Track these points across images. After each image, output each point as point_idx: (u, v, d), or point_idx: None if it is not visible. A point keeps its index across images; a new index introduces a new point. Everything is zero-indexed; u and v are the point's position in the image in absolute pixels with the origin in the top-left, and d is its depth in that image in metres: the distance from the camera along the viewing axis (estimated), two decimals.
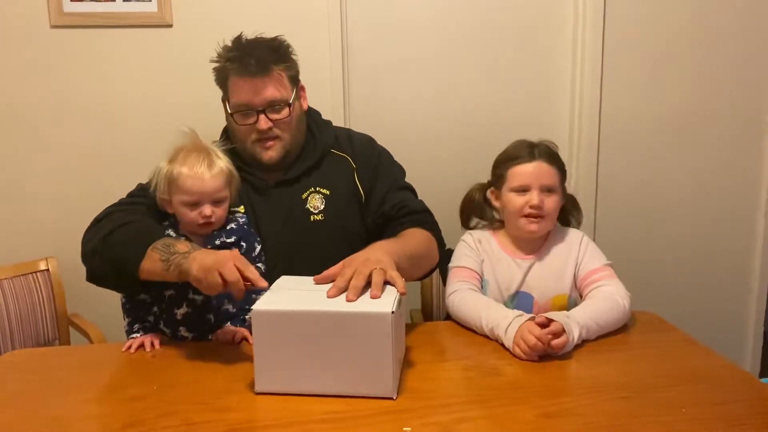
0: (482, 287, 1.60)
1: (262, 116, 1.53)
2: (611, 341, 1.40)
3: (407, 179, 1.75)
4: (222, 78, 1.59)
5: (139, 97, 2.20)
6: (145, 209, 1.48)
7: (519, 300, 1.59)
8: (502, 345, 1.36)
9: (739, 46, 2.41)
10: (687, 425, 1.06)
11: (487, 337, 1.42)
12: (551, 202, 1.55)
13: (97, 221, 1.48)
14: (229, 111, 1.56)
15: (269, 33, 1.61)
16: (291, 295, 1.21)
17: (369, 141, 1.75)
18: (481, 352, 1.36)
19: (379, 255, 1.29)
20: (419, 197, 1.73)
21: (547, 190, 1.55)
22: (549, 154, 1.58)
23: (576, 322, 1.34)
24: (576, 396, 1.17)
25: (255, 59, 1.51)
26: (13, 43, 2.12)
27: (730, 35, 2.40)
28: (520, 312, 1.39)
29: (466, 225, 1.74)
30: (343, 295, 1.18)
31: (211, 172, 1.39)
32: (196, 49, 2.18)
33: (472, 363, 1.32)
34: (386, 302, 1.15)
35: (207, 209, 1.39)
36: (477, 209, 1.70)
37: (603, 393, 1.17)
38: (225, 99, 1.60)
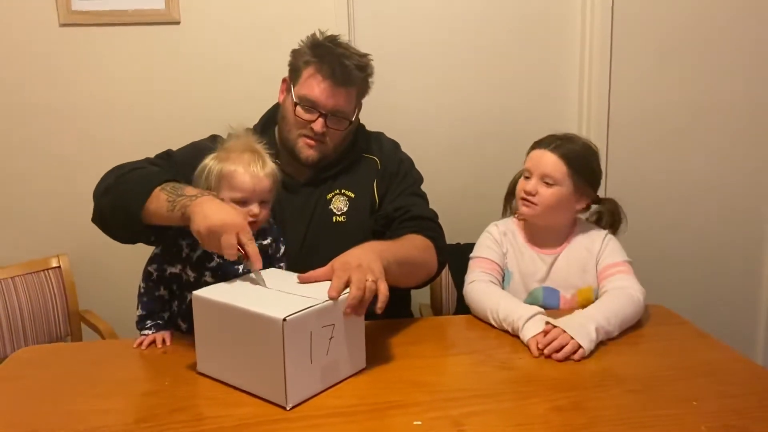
0: (504, 280, 1.60)
1: (321, 119, 1.55)
2: (622, 334, 1.40)
3: None
4: (299, 64, 1.59)
5: (147, 94, 2.21)
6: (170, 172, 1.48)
7: (546, 294, 1.59)
8: (516, 336, 1.37)
9: (749, 38, 2.39)
10: (698, 418, 1.06)
11: (500, 327, 1.42)
12: (547, 193, 1.55)
13: (119, 167, 1.48)
14: (295, 100, 1.57)
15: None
16: (240, 287, 1.23)
17: (394, 147, 1.75)
18: (492, 346, 1.37)
19: (370, 260, 1.25)
20: (428, 193, 1.72)
21: (547, 181, 1.55)
22: (565, 150, 1.56)
23: (594, 327, 1.32)
24: (586, 389, 1.17)
25: (343, 68, 1.53)
26: (22, 41, 2.13)
27: (740, 27, 2.38)
28: (541, 309, 1.39)
29: (506, 209, 1.72)
30: (278, 294, 1.18)
31: (264, 171, 1.41)
32: (203, 46, 2.19)
33: (482, 357, 1.32)
34: (293, 306, 1.10)
35: (256, 207, 1.40)
36: (511, 196, 1.70)
37: (613, 386, 1.17)
38: (291, 83, 1.60)
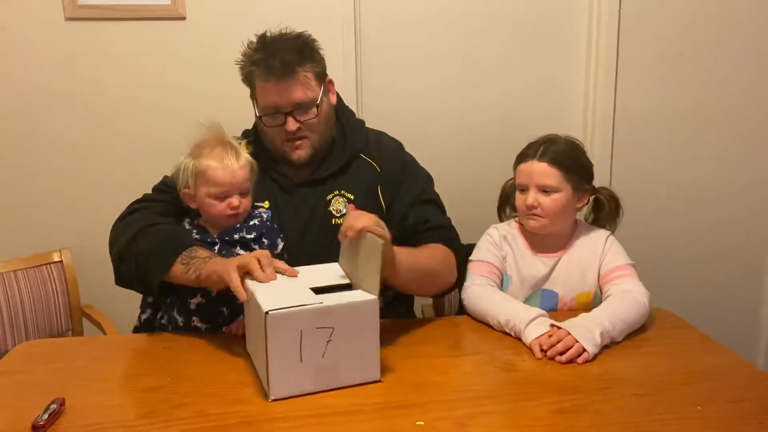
0: (503, 283, 1.60)
1: (289, 118, 1.53)
2: (626, 338, 1.39)
3: None
4: (248, 79, 1.58)
5: (152, 89, 2.20)
6: (167, 206, 1.50)
7: (544, 297, 1.58)
8: (518, 338, 1.37)
9: (755, 41, 2.38)
10: (701, 422, 1.06)
11: (501, 330, 1.42)
12: (549, 202, 1.54)
13: (122, 218, 1.49)
14: (258, 114, 1.56)
15: (279, 25, 1.59)
16: (286, 278, 1.27)
17: (397, 148, 1.72)
18: (496, 347, 1.36)
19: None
20: None
21: (545, 190, 1.54)
22: (552, 154, 1.55)
23: (599, 332, 1.32)
24: (590, 392, 1.17)
25: (280, 61, 1.48)
26: (28, 35, 2.13)
27: (746, 31, 2.37)
28: (543, 311, 1.39)
29: (501, 218, 1.73)
30: (304, 289, 1.20)
31: (239, 163, 1.43)
32: (209, 42, 2.19)
33: (486, 358, 1.32)
34: (289, 301, 1.13)
35: (236, 200, 1.42)
36: (507, 202, 1.70)
37: (617, 390, 1.17)
38: (253, 98, 1.60)
